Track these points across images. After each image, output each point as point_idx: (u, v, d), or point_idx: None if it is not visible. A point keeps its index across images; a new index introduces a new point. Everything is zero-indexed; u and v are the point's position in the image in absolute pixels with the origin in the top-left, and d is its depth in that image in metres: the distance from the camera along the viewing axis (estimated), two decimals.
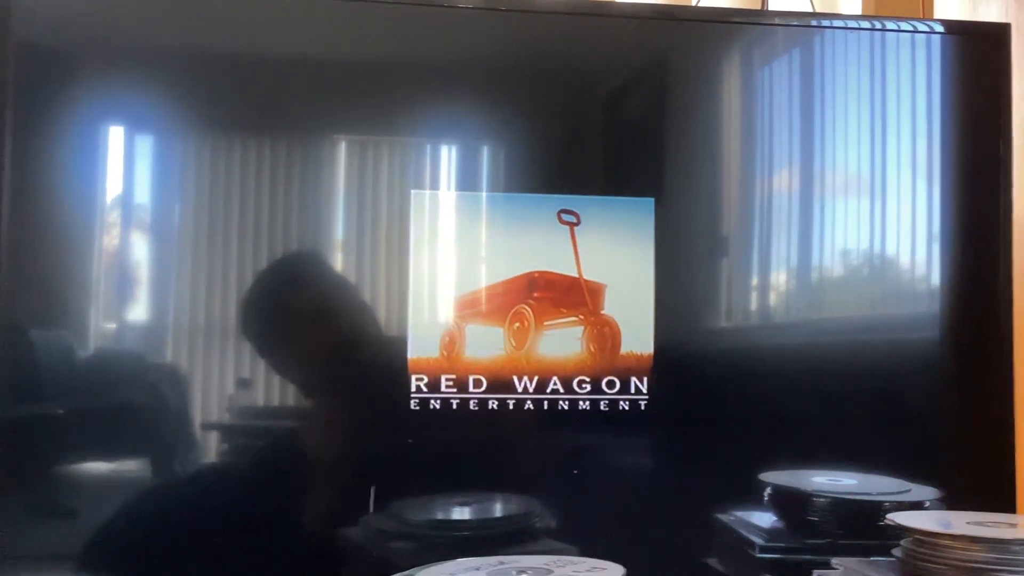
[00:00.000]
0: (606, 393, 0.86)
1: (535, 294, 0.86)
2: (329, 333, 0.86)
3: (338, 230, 0.85)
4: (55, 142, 0.81)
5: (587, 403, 0.85)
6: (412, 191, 0.85)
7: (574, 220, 0.86)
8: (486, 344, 0.85)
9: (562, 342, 0.86)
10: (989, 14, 1.15)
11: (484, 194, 0.86)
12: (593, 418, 0.85)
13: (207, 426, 0.82)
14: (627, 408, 0.86)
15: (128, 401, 0.82)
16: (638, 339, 0.86)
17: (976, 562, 0.68)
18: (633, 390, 0.86)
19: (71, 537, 0.80)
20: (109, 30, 0.83)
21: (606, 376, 0.86)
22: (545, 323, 0.85)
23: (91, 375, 0.82)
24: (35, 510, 0.80)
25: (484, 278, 0.86)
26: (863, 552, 0.81)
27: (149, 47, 0.83)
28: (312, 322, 0.86)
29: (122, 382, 0.82)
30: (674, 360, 0.87)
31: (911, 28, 0.93)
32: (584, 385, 0.85)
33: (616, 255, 0.86)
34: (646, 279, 0.87)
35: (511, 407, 0.84)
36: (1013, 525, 0.73)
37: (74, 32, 0.82)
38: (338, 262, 0.85)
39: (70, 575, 0.80)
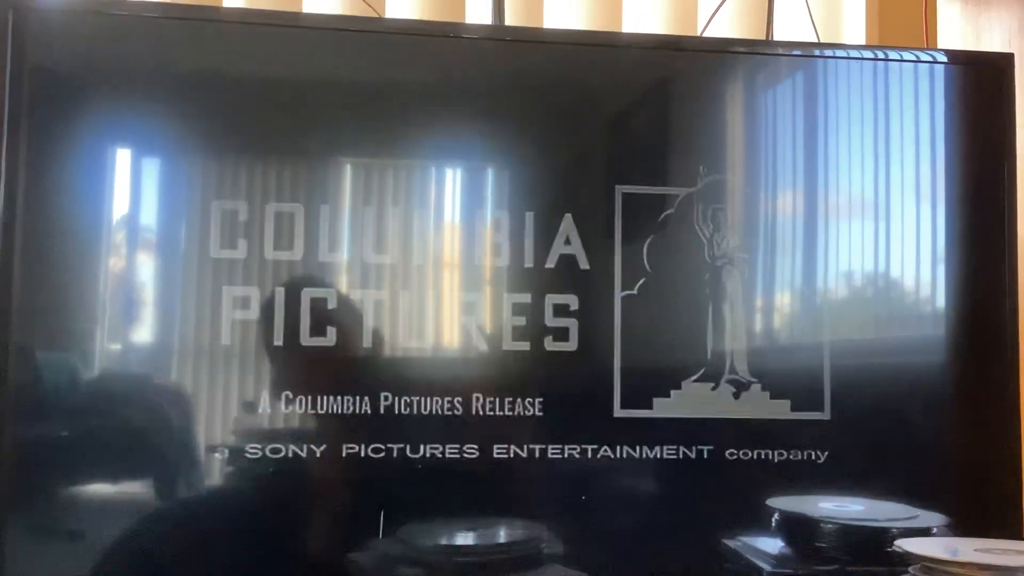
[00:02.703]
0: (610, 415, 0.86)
1: (538, 315, 0.86)
2: (335, 354, 0.86)
3: (343, 252, 0.85)
4: (62, 164, 0.81)
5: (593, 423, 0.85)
6: (416, 215, 0.85)
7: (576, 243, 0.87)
8: (491, 365, 0.85)
9: (567, 361, 0.86)
10: (992, 43, 1.16)
11: (488, 217, 0.86)
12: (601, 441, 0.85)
13: (211, 448, 0.82)
14: (635, 430, 0.86)
15: (132, 423, 0.82)
16: (647, 359, 0.87)
17: None
18: (641, 412, 0.86)
19: (75, 560, 0.79)
20: (116, 54, 0.83)
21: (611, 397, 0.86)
22: (550, 342, 0.85)
23: (96, 397, 0.81)
24: (39, 532, 0.80)
25: (487, 299, 0.86)
26: None
27: (156, 71, 0.84)
28: (318, 343, 0.86)
29: (127, 404, 0.82)
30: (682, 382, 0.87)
31: (914, 58, 0.94)
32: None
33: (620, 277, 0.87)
34: (653, 300, 0.87)
35: (519, 429, 0.84)
36: (1021, 552, 0.73)
37: (82, 55, 0.83)
38: (343, 284, 0.85)
39: None
